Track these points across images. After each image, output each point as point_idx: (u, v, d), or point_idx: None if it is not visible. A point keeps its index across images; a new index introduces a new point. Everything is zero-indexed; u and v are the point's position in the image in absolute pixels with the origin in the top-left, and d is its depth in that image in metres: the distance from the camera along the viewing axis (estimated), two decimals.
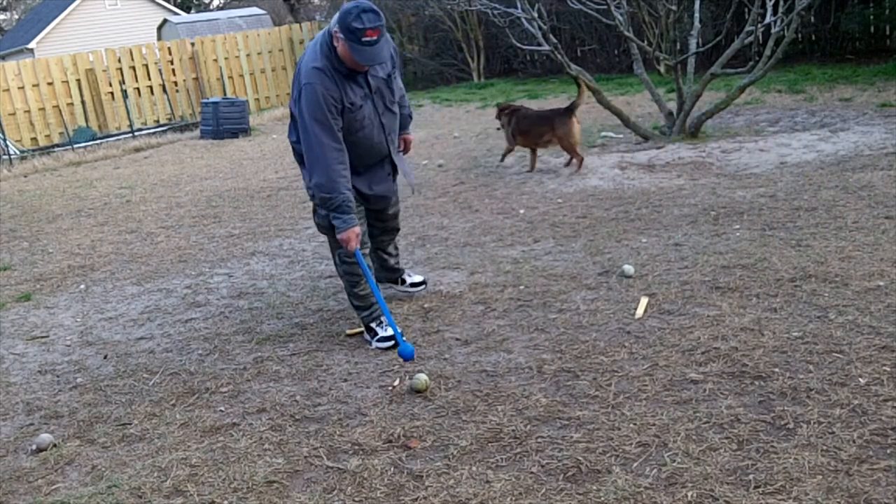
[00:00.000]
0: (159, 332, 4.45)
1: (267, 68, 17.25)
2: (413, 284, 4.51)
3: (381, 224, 4.26)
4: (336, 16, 3.59)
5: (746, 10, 8.80)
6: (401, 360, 3.66)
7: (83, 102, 15.36)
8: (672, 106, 8.36)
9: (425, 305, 4.34)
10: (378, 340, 3.89)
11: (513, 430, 2.94)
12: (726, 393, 3.03)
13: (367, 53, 3.55)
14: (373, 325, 3.95)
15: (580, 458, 2.72)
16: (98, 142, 13.93)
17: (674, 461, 2.63)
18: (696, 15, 8.21)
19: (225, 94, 16.09)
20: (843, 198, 5.36)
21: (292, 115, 3.85)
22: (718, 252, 4.59)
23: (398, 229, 4.39)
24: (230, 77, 16.80)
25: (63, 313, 4.97)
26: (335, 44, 3.61)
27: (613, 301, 4.08)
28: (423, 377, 3.36)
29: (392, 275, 4.49)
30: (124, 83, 15.65)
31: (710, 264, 4.41)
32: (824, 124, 7.83)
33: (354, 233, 3.72)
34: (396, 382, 3.45)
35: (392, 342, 3.83)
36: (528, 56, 15.58)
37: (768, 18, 7.50)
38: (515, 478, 2.65)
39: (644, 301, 3.98)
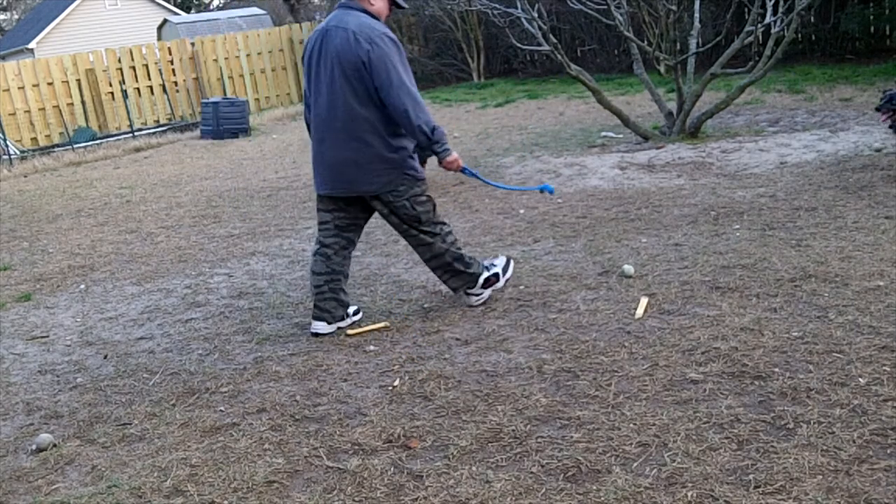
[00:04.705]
0: (159, 332, 4.45)
1: (267, 68, 17.23)
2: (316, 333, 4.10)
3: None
4: None
5: (746, 10, 8.80)
6: (402, 359, 3.67)
7: (83, 102, 15.35)
8: (672, 106, 8.36)
9: (425, 305, 4.34)
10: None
11: (513, 430, 2.94)
12: (726, 393, 3.03)
13: None
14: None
15: (580, 458, 2.72)
16: (98, 142, 13.92)
17: (674, 461, 2.63)
18: (696, 15, 8.21)
19: (225, 94, 16.08)
20: (843, 198, 5.36)
21: (348, 76, 3.77)
22: (718, 252, 4.59)
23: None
24: (230, 77, 16.79)
25: (63, 313, 4.97)
26: (372, 6, 3.85)
27: (613, 301, 4.08)
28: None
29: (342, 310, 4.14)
30: (124, 83, 15.65)
31: (710, 264, 4.41)
32: (824, 124, 7.83)
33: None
34: (396, 382, 3.45)
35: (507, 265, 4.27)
36: (528, 56, 15.58)
37: (768, 18, 7.50)
38: (515, 478, 2.65)
39: (644, 301, 3.98)
